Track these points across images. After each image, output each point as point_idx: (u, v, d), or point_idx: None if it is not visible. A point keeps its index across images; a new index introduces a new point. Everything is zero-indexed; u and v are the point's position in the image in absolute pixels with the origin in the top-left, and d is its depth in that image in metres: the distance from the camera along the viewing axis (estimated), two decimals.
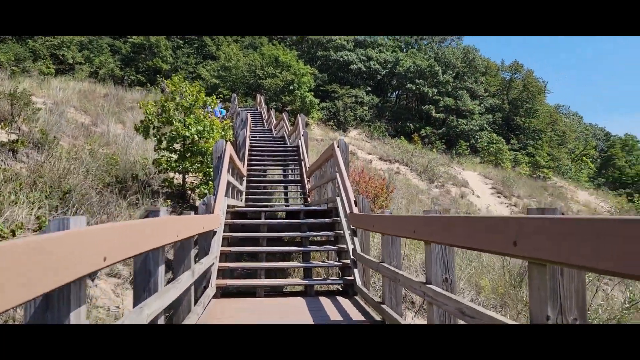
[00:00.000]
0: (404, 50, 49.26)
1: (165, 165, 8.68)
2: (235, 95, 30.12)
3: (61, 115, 13.45)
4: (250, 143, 12.60)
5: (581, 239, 1.22)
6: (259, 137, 15.87)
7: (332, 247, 5.07)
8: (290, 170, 12.00)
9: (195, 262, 3.52)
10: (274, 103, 34.47)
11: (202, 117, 9.14)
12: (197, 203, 9.70)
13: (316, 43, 45.71)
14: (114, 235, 1.49)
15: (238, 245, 5.06)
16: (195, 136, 8.67)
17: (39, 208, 6.37)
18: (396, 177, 22.85)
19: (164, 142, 8.87)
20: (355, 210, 4.33)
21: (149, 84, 37.17)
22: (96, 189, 8.24)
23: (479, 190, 26.59)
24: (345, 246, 4.89)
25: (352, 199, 4.49)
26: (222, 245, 4.83)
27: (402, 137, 40.48)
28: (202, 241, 4.20)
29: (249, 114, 14.14)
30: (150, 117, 8.66)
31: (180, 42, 44.22)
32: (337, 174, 5.40)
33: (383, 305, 3.36)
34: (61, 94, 17.08)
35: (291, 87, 34.81)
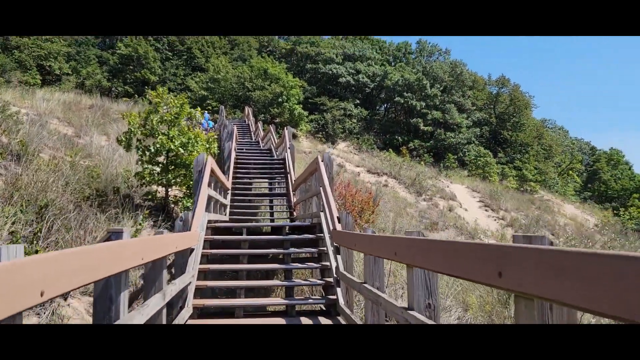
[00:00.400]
0: (392, 64, 49.74)
1: (148, 179, 8.48)
2: (223, 107, 29.98)
3: (43, 126, 13.19)
4: (236, 155, 12.44)
5: (574, 276, 1.11)
6: (246, 149, 15.73)
7: (315, 265, 4.92)
8: (276, 183, 11.86)
9: (170, 282, 3.34)
10: (263, 115, 34.40)
11: (186, 129, 8.98)
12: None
13: (305, 56, 45.93)
14: (57, 265, 1.34)
15: (218, 263, 4.88)
16: (180, 149, 8.50)
17: (13, 223, 6.13)
18: (384, 190, 22.81)
19: (147, 155, 8.68)
20: (339, 227, 4.19)
21: (136, 95, 36.87)
22: (75, 202, 8.00)
23: (467, 203, 26.65)
24: (328, 263, 4.74)
25: (335, 215, 4.36)
26: (201, 263, 4.65)
27: (390, 149, 40.64)
28: (179, 258, 4.02)
29: (235, 126, 14.00)
30: (133, 129, 8.48)
31: (169, 53, 44.11)
32: (321, 188, 5.28)
33: None
34: (45, 105, 16.80)
35: (280, 100, 34.82)
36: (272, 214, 10.25)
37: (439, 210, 23.08)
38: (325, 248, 5.03)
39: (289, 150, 11.24)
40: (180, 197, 9.19)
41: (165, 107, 9.12)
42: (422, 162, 38.80)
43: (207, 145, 9.00)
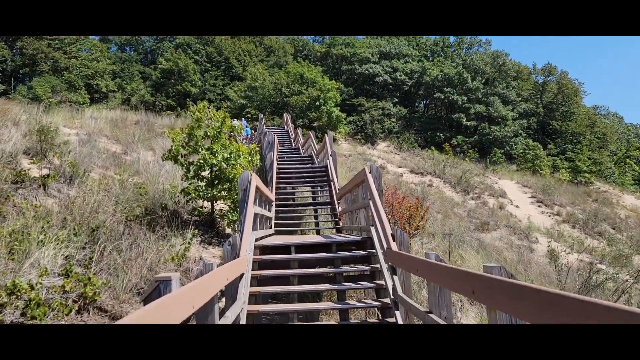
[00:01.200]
0: (430, 59, 48.60)
1: (193, 195, 8.50)
2: (262, 115, 30.23)
3: (93, 145, 13.64)
4: (277, 165, 12.35)
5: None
6: (287, 157, 15.66)
7: (370, 284, 4.65)
8: (319, 191, 11.67)
9: (222, 314, 3.19)
10: (301, 120, 34.44)
11: (228, 143, 8.95)
12: (227, 230, 9.47)
13: (340, 57, 45.68)
14: None
15: (268, 284, 4.73)
16: (223, 163, 8.48)
17: (66, 247, 6.24)
18: (429, 190, 22.17)
19: (192, 171, 8.71)
20: (394, 245, 3.91)
21: (179, 108, 37.91)
22: (125, 222, 8.12)
23: (518, 200, 25.50)
24: (383, 283, 4.47)
25: (389, 232, 4.08)
26: (251, 285, 4.51)
27: (432, 147, 39.64)
28: (229, 286, 3.87)
29: (275, 135, 13.94)
30: (175, 147, 8.54)
31: (208, 65, 45.10)
32: (370, 201, 5.01)
33: None
34: (93, 124, 17.45)
35: (317, 103, 34.74)
36: (317, 224, 10.06)
37: (489, 208, 22.18)
38: (378, 265, 4.76)
39: (330, 158, 11.02)
40: (225, 210, 9.17)
41: (206, 121, 9.14)
42: (467, 159, 37.58)
43: (250, 158, 8.94)
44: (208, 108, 9.13)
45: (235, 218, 8.87)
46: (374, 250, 4.96)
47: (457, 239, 12.57)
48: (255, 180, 5.30)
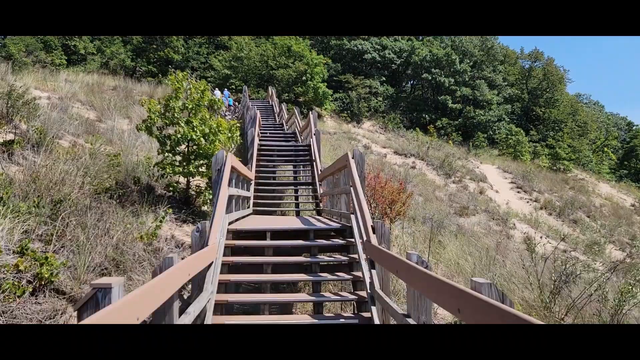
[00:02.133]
0: (420, 38, 47.97)
1: (168, 170, 8.12)
2: (246, 87, 29.48)
3: (65, 110, 13.01)
4: (260, 141, 11.98)
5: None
6: (270, 133, 15.24)
7: (347, 276, 4.44)
8: (301, 171, 11.38)
9: (184, 311, 2.94)
10: (287, 94, 33.77)
11: (207, 116, 8.54)
12: (203, 208, 9.15)
13: None
14: None
15: (240, 272, 4.47)
16: (202, 139, 8.09)
17: (25, 221, 5.86)
18: (412, 172, 22.10)
19: (168, 145, 8.31)
20: (373, 238, 3.70)
21: (160, 75, 36.69)
22: (94, 195, 7.73)
23: (498, 185, 25.70)
24: (360, 274, 4.27)
25: (369, 223, 3.85)
26: (221, 272, 4.26)
27: (417, 128, 39.49)
28: (196, 275, 3.60)
29: (258, 111, 13.49)
30: (153, 117, 8.09)
31: None
32: (352, 188, 4.77)
33: None
34: (67, 88, 16.66)
35: (304, 78, 34.04)
36: (297, 205, 9.80)
37: (469, 193, 22.28)
38: (356, 256, 4.55)
39: (314, 137, 10.69)
40: (202, 187, 8.83)
41: (186, 93, 8.68)
42: (450, 142, 37.61)
43: (230, 134, 8.55)
44: (188, 79, 8.66)
45: (211, 196, 8.56)
46: (352, 240, 4.75)
47: (437, 224, 12.52)
48: (231, 160, 4.97)
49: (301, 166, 11.53)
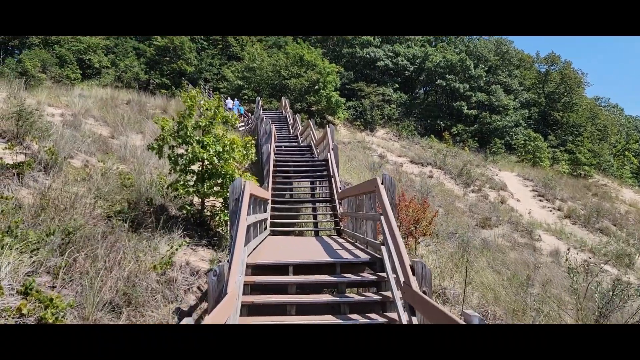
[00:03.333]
0: (433, 44, 47.45)
1: (182, 191, 7.77)
2: (260, 98, 29.26)
3: (78, 128, 12.83)
4: (274, 156, 11.61)
5: None
6: (285, 146, 14.85)
7: (380, 319, 3.96)
8: (318, 186, 10.96)
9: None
10: (299, 104, 33.50)
11: (221, 134, 8.19)
12: (218, 230, 8.76)
13: (341, 40, 44.45)
14: None
15: (260, 313, 4.05)
16: (214, 158, 7.73)
17: (33, 252, 5.53)
18: (430, 182, 21.55)
19: (180, 164, 7.97)
20: (413, 281, 3.23)
21: (173, 87, 36.77)
22: (106, 218, 7.41)
23: (519, 193, 24.96)
24: (396, 317, 3.82)
25: (407, 262, 3.40)
26: (240, 314, 3.85)
27: (432, 135, 38.88)
28: None
29: (273, 125, 13.14)
30: (165, 136, 7.77)
31: (205, 43, 43.77)
32: (382, 217, 4.34)
33: None
34: (81, 103, 16.54)
35: (316, 87, 33.75)
36: (316, 224, 9.37)
37: (490, 202, 21.62)
38: (389, 294, 4.11)
39: (332, 152, 10.27)
40: (218, 208, 8.46)
41: (199, 110, 8.36)
42: (466, 148, 36.90)
43: (244, 152, 8.18)
44: (202, 94, 8.33)
45: (227, 218, 8.17)
46: (384, 274, 4.30)
47: (462, 240, 11.98)
48: (250, 188, 4.58)
49: (318, 181, 11.12)
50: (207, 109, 8.11)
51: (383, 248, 4.43)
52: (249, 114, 29.77)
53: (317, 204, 10.17)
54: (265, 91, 35.92)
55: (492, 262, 11.20)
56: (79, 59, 37.88)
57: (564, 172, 36.42)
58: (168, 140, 7.77)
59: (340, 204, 8.93)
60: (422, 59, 43.04)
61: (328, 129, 11.15)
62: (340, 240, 7.21)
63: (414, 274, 3.33)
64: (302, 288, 4.45)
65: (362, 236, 5.91)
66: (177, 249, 6.16)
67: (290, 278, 4.39)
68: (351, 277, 4.40)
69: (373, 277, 4.41)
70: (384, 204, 4.28)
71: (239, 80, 37.34)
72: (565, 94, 46.81)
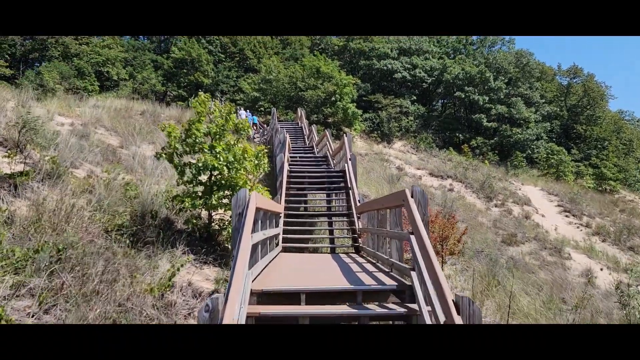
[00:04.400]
0: (452, 56, 46.72)
1: (188, 204, 7.17)
2: (275, 109, 28.88)
3: (86, 137, 12.42)
4: (289, 167, 10.99)
5: None
6: (300, 157, 14.25)
7: None
8: (334, 199, 10.28)
9: None
10: (315, 115, 33.01)
11: (232, 142, 7.62)
12: (227, 245, 8.14)
13: (358, 52, 44.05)
14: None
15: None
16: (225, 168, 7.14)
17: (18, 269, 4.96)
18: (450, 195, 20.68)
19: (188, 173, 7.40)
20: (457, 320, 2.55)
21: (190, 99, 36.71)
22: (106, 233, 6.86)
23: (544, 208, 23.86)
24: None
25: (449, 296, 2.69)
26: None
27: (450, 148, 37.96)
28: None
29: (287, 134, 12.56)
30: (172, 143, 7.21)
31: (222, 55, 43.86)
32: (413, 237, 3.65)
33: None
34: (93, 113, 16.25)
35: (333, 99, 33.26)
36: (332, 240, 8.68)
37: (514, 217, 20.62)
38: None
39: (349, 162, 9.62)
40: (227, 221, 7.85)
41: (210, 117, 7.81)
42: (486, 161, 35.87)
43: (257, 162, 7.58)
44: (212, 100, 7.79)
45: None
46: (415, 307, 3.59)
47: (489, 259, 11.12)
48: (256, 200, 3.94)
49: (334, 194, 10.46)
50: (218, 116, 7.55)
51: (413, 273, 3.73)
52: (265, 126, 29.39)
53: (334, 218, 9.48)
54: (282, 103, 35.61)
55: (523, 284, 10.32)
56: (97, 72, 38.17)
57: (589, 187, 35.09)
58: (176, 147, 7.22)
59: (359, 218, 8.23)
60: (440, 71, 42.34)
61: (345, 138, 10.51)
62: (360, 259, 6.50)
63: (458, 313, 2.64)
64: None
65: (385, 256, 5.20)
66: (179, 269, 5.53)
67: (303, 309, 3.69)
68: (375, 309, 3.67)
69: (401, 309, 3.67)
70: (414, 220, 3.60)
71: (256, 92, 37.12)
72: (588, 107, 45.50)
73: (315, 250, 8.50)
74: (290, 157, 13.32)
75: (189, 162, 7.42)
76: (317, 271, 5.47)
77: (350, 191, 9.18)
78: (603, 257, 17.81)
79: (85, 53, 37.67)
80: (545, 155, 37.64)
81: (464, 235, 8.28)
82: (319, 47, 47.10)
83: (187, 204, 7.17)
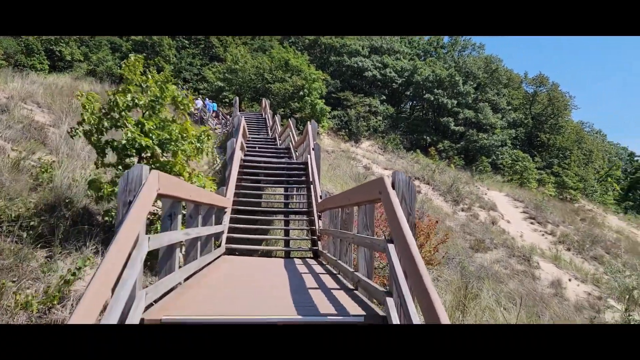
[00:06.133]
0: (422, 58, 46.38)
1: (107, 190, 5.73)
2: (238, 98, 27.29)
3: (8, 112, 10.64)
4: (244, 157, 9.64)
5: None
6: (259, 147, 12.84)
7: None
8: (294, 195, 9.02)
9: None
10: (282, 110, 31.63)
11: (170, 118, 6.23)
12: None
13: (329, 48, 42.94)
14: None
15: None
16: (157, 148, 5.74)
17: None
18: (418, 197, 19.81)
19: (109, 153, 5.95)
20: None
21: None
22: (8, 225, 5.36)
23: (509, 214, 23.46)
24: None
25: None
26: None
27: (417, 150, 37.50)
28: None
29: (243, 117, 11.17)
30: (88, 117, 5.74)
31: (186, 42, 41.71)
32: (392, 248, 2.46)
33: None
34: (25, 88, 14.32)
35: (301, 93, 31.96)
36: (287, 242, 7.37)
37: (481, 222, 20.00)
38: None
39: (312, 153, 8.36)
40: (157, 215, 6.45)
41: (143, 86, 6.38)
42: (452, 165, 35.58)
43: (198, 144, 6.21)
44: (142, 65, 6.35)
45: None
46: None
47: (461, 266, 10.15)
48: (160, 184, 2.61)
49: (295, 189, 9.21)
50: (152, 85, 6.13)
51: (389, 300, 2.53)
52: (228, 117, 27.76)
53: (292, 217, 8.22)
54: (247, 94, 34.02)
55: (497, 296, 9.40)
56: (48, 50, 35.35)
57: (550, 194, 35.41)
58: (93, 121, 5.75)
59: (319, 217, 7.01)
60: (410, 72, 41.83)
61: (309, 126, 9.25)
62: (317, 268, 5.28)
63: None
64: None
65: (349, 268, 3.97)
66: (74, 273, 4.12)
67: None
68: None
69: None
70: (397, 221, 2.38)
71: (220, 82, 35.35)
72: (552, 116, 46.20)
73: (266, 254, 7.18)
74: (249, 147, 11.93)
75: (112, 140, 5.97)
76: (262, 284, 4.21)
77: (311, 186, 7.95)
78: (571, 266, 17.39)
79: None
80: (510, 162, 37.74)
81: (443, 243, 7.18)
82: (289, 40, 45.65)
83: (105, 191, 5.71)
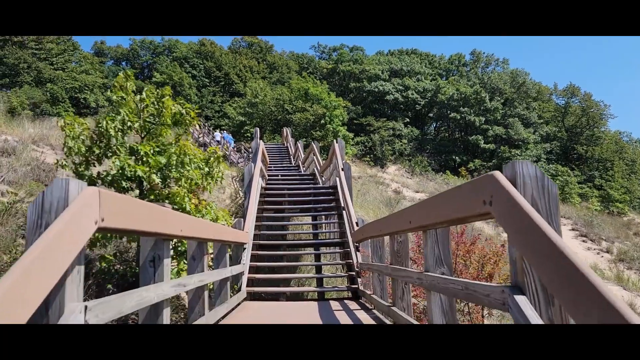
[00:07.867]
0: (445, 77, 45.34)
1: (99, 234, 4.71)
2: (258, 129, 26.70)
3: (15, 154, 10.09)
4: (267, 184, 8.59)
5: None
6: (282, 175, 11.73)
7: None
8: (324, 223, 7.85)
9: None
10: (304, 139, 30.90)
11: (171, 140, 5.24)
12: None
13: (348, 74, 42.47)
14: None
15: None
16: (154, 176, 4.72)
17: None
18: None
19: (103, 188, 4.94)
20: None
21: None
22: None
23: None
24: None
25: None
26: None
27: (447, 171, 35.96)
28: None
29: (261, 141, 10.22)
30: (74, 145, 4.80)
31: (206, 80, 42.06)
32: (529, 303, 1.31)
33: None
34: (39, 132, 14.00)
35: (322, 121, 31.21)
36: (319, 281, 6.12)
37: None
38: None
39: (342, 174, 7.19)
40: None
41: (138, 106, 5.45)
42: None
43: (207, 170, 5.16)
44: (134, 82, 5.44)
45: (183, 267, 5.05)
46: None
47: None
48: (116, 209, 1.60)
49: (324, 217, 8.05)
50: (149, 103, 5.18)
51: None
52: (250, 150, 27.16)
53: (323, 249, 7.02)
54: (268, 127, 33.51)
55: None
56: (73, 98, 35.99)
57: (595, 209, 33.04)
58: (80, 149, 4.80)
59: (357, 248, 5.80)
60: (433, 92, 40.74)
61: (336, 145, 8.15)
62: (361, 315, 4.07)
63: None
64: None
65: (414, 321, 2.75)
66: None
67: None
68: None
69: None
70: (549, 244, 1.17)
71: (241, 117, 35.11)
72: (588, 127, 43.93)
73: (295, 297, 5.96)
74: (270, 175, 10.89)
75: (106, 172, 4.99)
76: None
77: (344, 212, 6.76)
78: (637, 288, 15.39)
79: (60, 78, 35.58)
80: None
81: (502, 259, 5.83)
82: (307, 70, 45.52)
83: (97, 234, 4.69)
